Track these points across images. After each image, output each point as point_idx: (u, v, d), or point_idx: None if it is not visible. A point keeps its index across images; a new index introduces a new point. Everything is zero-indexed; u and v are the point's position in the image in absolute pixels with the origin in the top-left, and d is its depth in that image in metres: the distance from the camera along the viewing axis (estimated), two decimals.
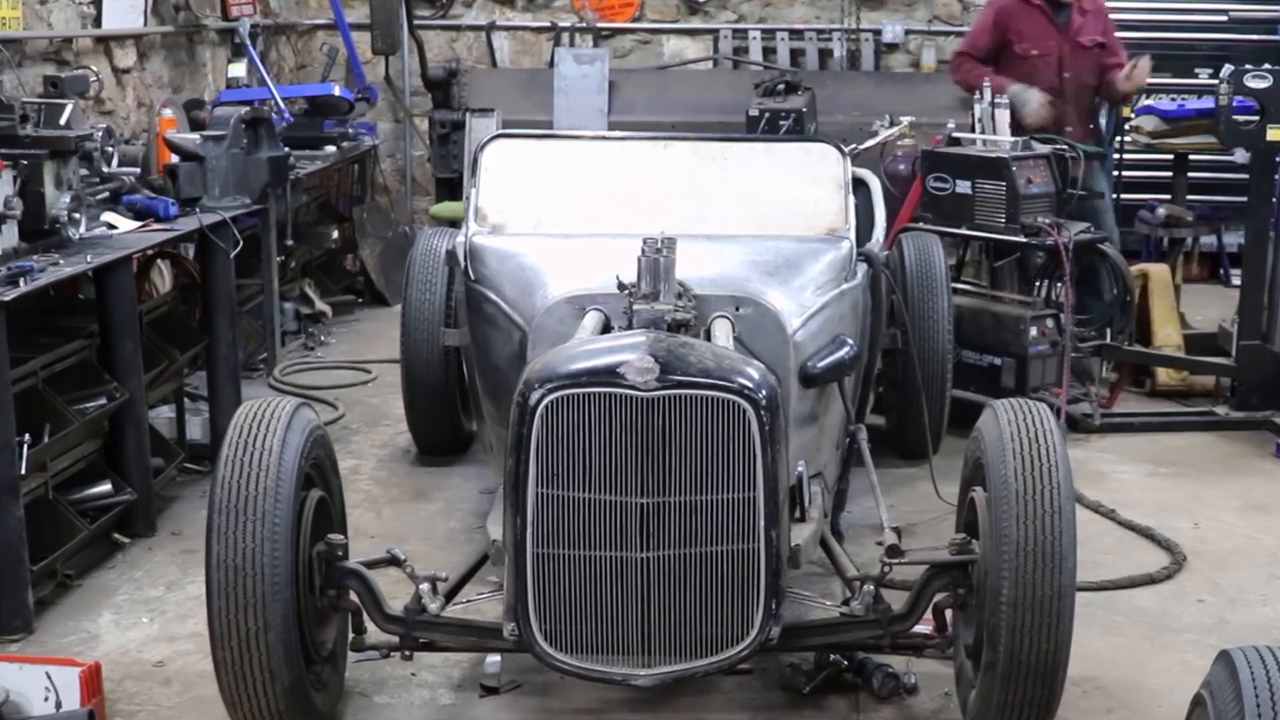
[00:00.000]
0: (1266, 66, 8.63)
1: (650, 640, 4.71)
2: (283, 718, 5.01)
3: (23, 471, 6.05)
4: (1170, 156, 11.28)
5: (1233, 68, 8.64)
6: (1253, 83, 8.52)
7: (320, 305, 11.56)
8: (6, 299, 5.95)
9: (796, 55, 13.66)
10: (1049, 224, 8.53)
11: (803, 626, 5.28)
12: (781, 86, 11.82)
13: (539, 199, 6.73)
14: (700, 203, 6.64)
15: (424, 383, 8.00)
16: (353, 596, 5.19)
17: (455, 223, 9.46)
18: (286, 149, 9.35)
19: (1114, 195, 10.69)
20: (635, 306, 5.18)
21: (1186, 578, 6.85)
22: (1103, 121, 10.76)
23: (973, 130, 10.02)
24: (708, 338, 5.39)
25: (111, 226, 7.45)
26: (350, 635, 5.31)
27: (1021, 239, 8.67)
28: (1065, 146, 9.02)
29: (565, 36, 13.73)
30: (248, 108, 9.04)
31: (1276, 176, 8.81)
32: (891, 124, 10.47)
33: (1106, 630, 6.24)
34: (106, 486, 6.96)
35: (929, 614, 5.19)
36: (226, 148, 8.34)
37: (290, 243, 10.27)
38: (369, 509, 7.59)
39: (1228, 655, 3.58)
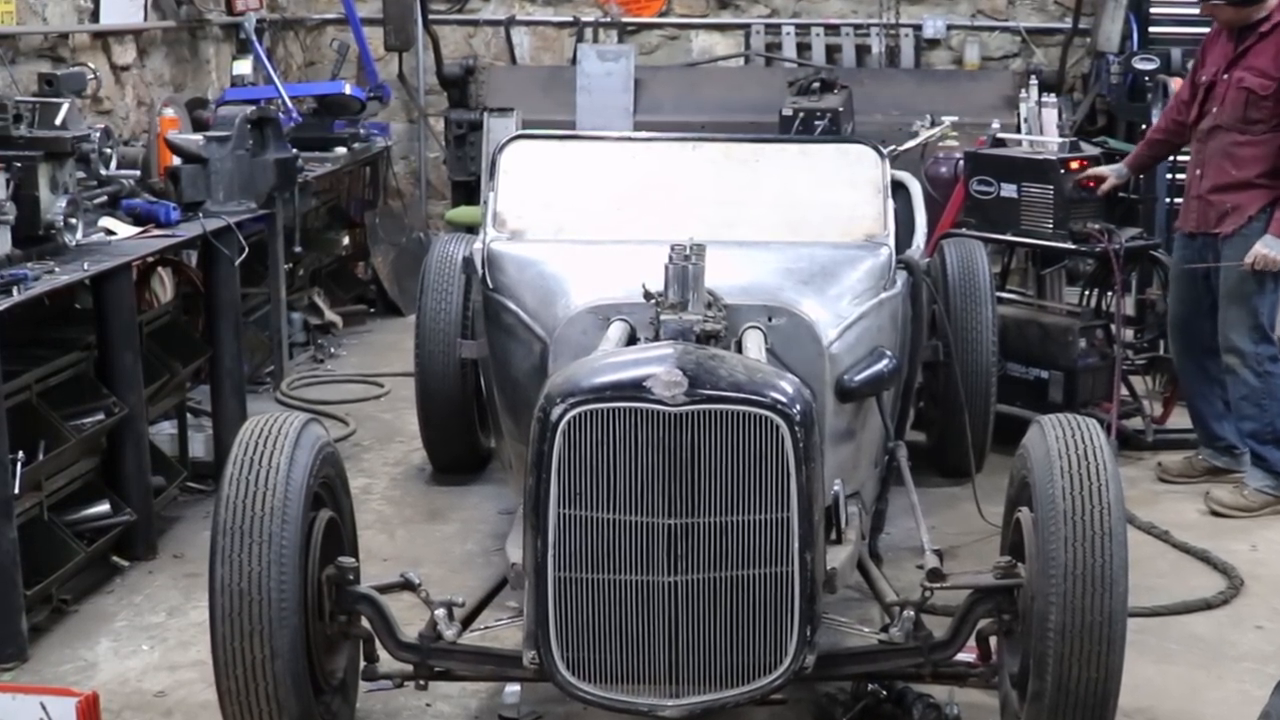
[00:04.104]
0: None
1: (678, 669, 4.71)
2: None
3: (16, 491, 6.08)
4: None
5: None
6: None
7: (330, 315, 11.59)
8: None
9: (832, 51, 13.66)
10: (1099, 229, 8.53)
11: (839, 654, 5.27)
12: (817, 84, 11.84)
13: (561, 203, 6.73)
14: (731, 207, 6.64)
15: (439, 397, 8.02)
16: (364, 623, 5.19)
17: (472, 228, 9.46)
18: (294, 150, 9.37)
19: (1167, 199, 10.65)
20: (662, 317, 5.17)
21: (1244, 603, 6.84)
22: (1155, 121, 10.74)
23: (1018, 131, 10.02)
24: (739, 350, 5.39)
25: (110, 232, 7.48)
26: (362, 664, 5.31)
27: (1070, 245, 8.66)
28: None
29: (588, 32, 13.76)
30: (253, 107, 9.08)
31: None
32: (933, 124, 10.45)
33: (1160, 658, 6.23)
34: (105, 507, 6.98)
35: (972, 641, 5.18)
36: (231, 149, 8.36)
37: (298, 249, 10.32)
38: (381, 530, 7.61)
39: None
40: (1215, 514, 7.88)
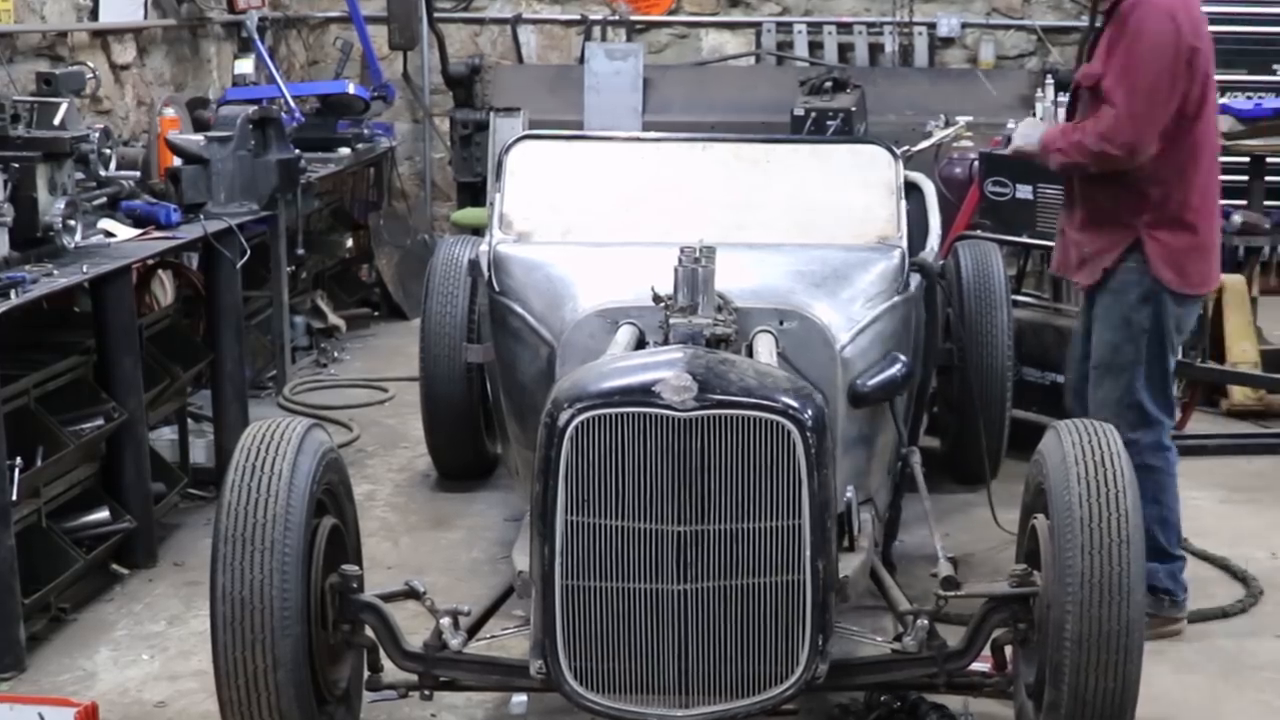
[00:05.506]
0: None
1: (688, 678, 4.71)
2: None
3: (14, 497, 6.07)
4: (1246, 159, 11.21)
5: None
6: None
7: (333, 319, 11.58)
8: None
9: (845, 50, 13.66)
10: None
11: (852, 664, 5.26)
12: (829, 84, 11.86)
13: (568, 205, 6.74)
14: (741, 209, 6.64)
15: (445, 402, 8.02)
16: (368, 632, 5.19)
17: (478, 230, 9.46)
18: (297, 151, 9.39)
19: None
20: (672, 320, 5.17)
21: (1264, 611, 6.84)
22: None
23: None
24: (749, 354, 5.39)
25: (109, 234, 7.49)
26: (366, 673, 5.30)
27: None
28: None
29: (596, 30, 13.75)
30: (255, 107, 9.09)
31: None
32: (947, 124, 10.43)
33: (1178, 668, 6.23)
34: (104, 514, 6.98)
35: (987, 650, 5.17)
36: (233, 150, 8.37)
37: (301, 252, 10.30)
38: (386, 538, 7.61)
39: None
40: None
